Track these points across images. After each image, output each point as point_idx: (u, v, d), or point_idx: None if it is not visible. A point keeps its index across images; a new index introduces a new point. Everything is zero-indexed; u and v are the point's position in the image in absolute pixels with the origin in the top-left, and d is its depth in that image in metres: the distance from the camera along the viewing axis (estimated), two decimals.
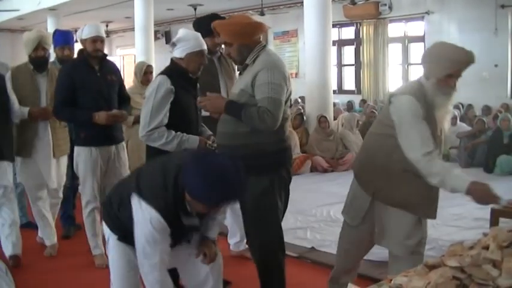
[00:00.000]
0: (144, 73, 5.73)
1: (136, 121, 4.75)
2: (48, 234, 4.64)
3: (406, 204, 2.96)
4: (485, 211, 4.97)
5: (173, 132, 3.38)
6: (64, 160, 4.71)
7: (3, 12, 15.02)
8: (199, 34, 3.56)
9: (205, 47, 3.54)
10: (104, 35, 4.38)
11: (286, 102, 3.22)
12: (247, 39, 3.20)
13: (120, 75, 4.57)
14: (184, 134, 3.41)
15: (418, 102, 2.89)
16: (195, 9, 13.91)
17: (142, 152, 4.26)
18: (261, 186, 3.17)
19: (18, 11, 14.81)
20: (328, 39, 8.95)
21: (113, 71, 4.42)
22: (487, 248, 2.01)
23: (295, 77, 14.74)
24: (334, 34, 11.95)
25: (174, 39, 3.50)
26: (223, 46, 4.21)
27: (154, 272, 2.55)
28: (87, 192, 4.29)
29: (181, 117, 3.44)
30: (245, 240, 4.58)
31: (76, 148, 4.31)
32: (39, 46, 4.40)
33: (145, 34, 12.29)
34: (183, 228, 2.64)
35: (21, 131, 4.43)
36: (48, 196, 4.66)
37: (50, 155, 4.49)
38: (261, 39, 3.39)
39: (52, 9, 14.22)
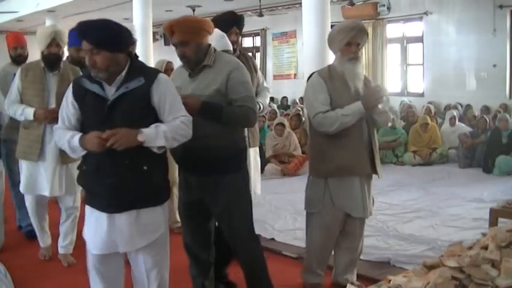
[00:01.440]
0: (164, 70, 5.55)
1: None
2: (41, 238, 4.51)
3: (346, 168, 3.46)
4: (484, 211, 4.98)
5: None
6: (74, 167, 4.39)
7: (2, 14, 15.01)
8: (223, 34, 3.52)
9: (228, 47, 3.49)
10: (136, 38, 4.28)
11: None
12: (203, 38, 3.13)
13: None
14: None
15: (320, 77, 3.53)
16: (193, 10, 13.92)
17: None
18: (239, 183, 3.21)
19: (17, 13, 14.80)
20: (326, 40, 8.93)
21: None
22: (486, 248, 2.02)
23: (294, 78, 14.74)
24: None
25: None
26: (236, 43, 4.25)
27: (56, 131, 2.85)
28: None
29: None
30: None
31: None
32: (53, 42, 4.10)
33: (144, 35, 12.27)
34: (92, 99, 2.71)
35: (27, 133, 4.19)
36: (63, 209, 4.41)
37: (55, 161, 4.16)
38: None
39: (50, 10, 14.21)
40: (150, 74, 2.75)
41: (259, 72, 4.49)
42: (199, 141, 2.96)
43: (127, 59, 2.76)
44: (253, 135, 4.29)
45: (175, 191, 4.71)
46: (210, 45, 3.18)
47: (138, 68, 2.77)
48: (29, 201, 4.36)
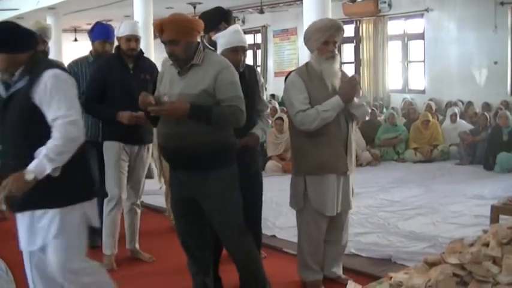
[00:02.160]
0: None
1: None
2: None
3: (324, 166, 3.53)
4: (485, 208, 4.97)
5: None
6: None
7: (2, 12, 15.00)
8: (238, 30, 3.53)
9: (242, 43, 3.51)
10: (140, 34, 4.27)
11: None
12: (194, 37, 3.13)
13: (157, 73, 4.17)
14: None
15: (299, 76, 3.59)
16: (194, 7, 13.89)
17: None
18: (226, 179, 3.19)
19: (18, 10, 14.80)
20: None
21: (148, 69, 4.29)
22: (487, 245, 2.02)
23: None
24: None
25: (216, 35, 3.52)
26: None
27: None
28: (109, 187, 4.19)
29: None
30: None
31: (104, 143, 4.22)
32: (39, 39, 3.83)
33: (145, 32, 12.24)
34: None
35: None
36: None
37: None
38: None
39: (51, 8, 14.21)
40: (36, 72, 2.65)
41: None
42: (179, 139, 3.06)
43: (33, 58, 2.73)
44: None
45: None
46: (199, 43, 3.18)
47: (31, 66, 2.71)
48: None
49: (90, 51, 4.65)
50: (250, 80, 3.69)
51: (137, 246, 4.51)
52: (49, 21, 14.88)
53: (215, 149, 3.10)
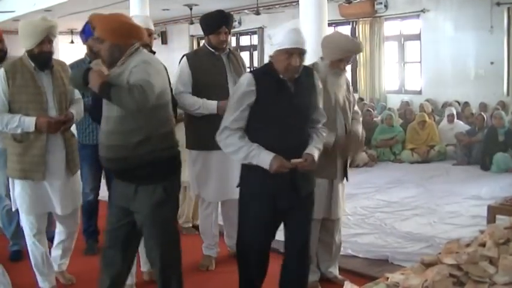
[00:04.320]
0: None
1: (180, 119, 4.47)
2: (46, 275, 3.82)
3: (317, 172, 3.28)
4: (482, 208, 4.98)
5: (246, 141, 3.01)
6: (77, 176, 3.91)
7: None
8: (295, 29, 2.98)
9: (299, 45, 2.96)
10: (153, 28, 3.91)
11: (167, 104, 3.10)
12: (122, 40, 2.93)
13: (167, 74, 3.98)
14: (255, 146, 2.97)
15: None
16: (190, 9, 13.88)
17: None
18: (156, 196, 3.02)
19: (14, 12, 14.77)
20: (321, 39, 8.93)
21: None
22: (483, 245, 2.02)
23: None
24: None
25: (268, 33, 3.22)
26: (225, 42, 4.14)
27: None
28: None
29: (265, 124, 3.03)
30: None
31: None
32: (46, 39, 3.56)
33: None
34: None
35: (24, 147, 3.58)
36: (61, 227, 3.91)
37: (63, 174, 3.69)
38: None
39: (47, 10, 14.18)
40: None
41: (247, 71, 4.47)
42: (111, 151, 2.97)
43: None
44: None
45: (189, 193, 4.70)
46: (131, 46, 2.96)
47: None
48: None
49: (86, 53, 4.57)
50: (307, 86, 3.15)
51: None
52: None
53: (143, 163, 2.94)
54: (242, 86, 3.02)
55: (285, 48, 2.94)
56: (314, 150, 3.08)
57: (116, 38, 2.92)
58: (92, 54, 4.34)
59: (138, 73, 2.84)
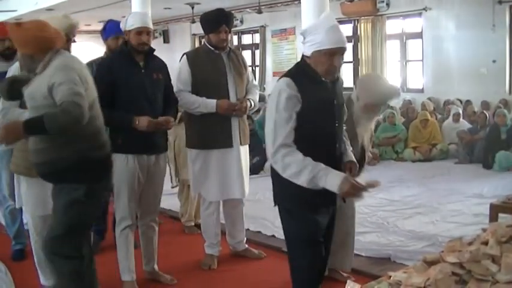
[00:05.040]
0: None
1: (181, 119, 4.49)
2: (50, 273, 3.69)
3: None
4: (484, 207, 4.98)
5: (308, 160, 2.61)
6: None
7: (0, 13, 14.99)
8: (335, 25, 2.68)
9: (341, 44, 2.70)
10: (151, 26, 3.78)
11: (93, 103, 3.00)
12: (33, 51, 2.89)
13: (168, 73, 3.96)
14: (323, 167, 2.59)
15: None
16: (192, 7, 13.88)
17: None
18: (75, 195, 2.96)
19: (16, 12, 14.78)
20: None
21: (160, 68, 3.87)
22: (486, 243, 2.01)
23: None
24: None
25: (302, 30, 2.78)
26: (225, 41, 4.13)
27: None
28: (121, 207, 3.78)
29: (313, 133, 2.72)
30: (245, 240, 4.59)
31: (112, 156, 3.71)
32: (66, 38, 3.48)
33: None
34: None
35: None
36: None
37: None
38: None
39: (49, 9, 14.20)
40: None
41: (249, 70, 4.48)
42: (34, 156, 2.97)
43: None
44: (244, 133, 4.30)
45: (191, 192, 4.70)
46: (49, 52, 2.90)
47: None
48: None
49: (105, 52, 4.51)
50: (339, 91, 2.97)
51: (156, 267, 4.10)
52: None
53: (70, 164, 2.92)
54: (284, 92, 2.64)
55: (327, 48, 2.66)
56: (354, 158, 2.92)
57: (27, 49, 2.92)
58: (111, 53, 4.33)
59: (64, 85, 2.78)
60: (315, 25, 2.71)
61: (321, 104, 2.73)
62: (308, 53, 2.71)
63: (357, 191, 2.60)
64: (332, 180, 2.56)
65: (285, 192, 2.82)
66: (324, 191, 2.62)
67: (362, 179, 2.73)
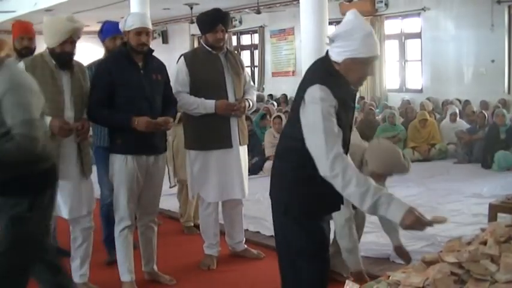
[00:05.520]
0: None
1: (180, 120, 4.47)
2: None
3: None
4: (483, 206, 4.98)
5: (370, 180, 2.46)
6: (90, 179, 3.79)
7: None
8: (371, 33, 2.48)
9: (377, 52, 2.53)
10: (150, 27, 3.74)
11: (42, 115, 2.77)
12: None
13: (167, 74, 3.94)
14: (385, 193, 2.33)
15: None
16: (191, 8, 13.88)
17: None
18: (17, 209, 2.72)
19: (15, 12, 14.78)
20: (324, 37, 8.92)
21: (159, 69, 3.84)
22: (485, 243, 2.02)
23: (293, 75, 14.71)
24: (331, 32, 11.92)
25: (331, 34, 2.54)
26: (222, 41, 4.12)
27: None
28: (120, 207, 3.75)
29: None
30: (244, 240, 4.60)
31: (110, 156, 3.77)
32: (69, 39, 3.49)
33: None
34: None
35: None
36: (76, 232, 3.74)
37: (75, 177, 3.58)
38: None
39: (48, 10, 14.19)
40: None
41: (246, 71, 4.48)
42: None
43: None
44: (243, 133, 4.30)
45: (187, 192, 4.71)
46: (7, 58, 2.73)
47: None
48: None
49: (104, 54, 4.47)
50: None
51: (155, 268, 4.09)
52: None
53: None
54: (326, 100, 2.42)
55: (364, 57, 2.46)
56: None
57: None
58: (109, 53, 4.27)
59: (17, 110, 2.56)
60: (349, 30, 2.46)
61: (347, 113, 2.58)
62: (339, 59, 2.49)
63: (420, 225, 2.31)
64: (395, 210, 2.29)
65: (297, 201, 2.64)
66: (333, 198, 2.53)
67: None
